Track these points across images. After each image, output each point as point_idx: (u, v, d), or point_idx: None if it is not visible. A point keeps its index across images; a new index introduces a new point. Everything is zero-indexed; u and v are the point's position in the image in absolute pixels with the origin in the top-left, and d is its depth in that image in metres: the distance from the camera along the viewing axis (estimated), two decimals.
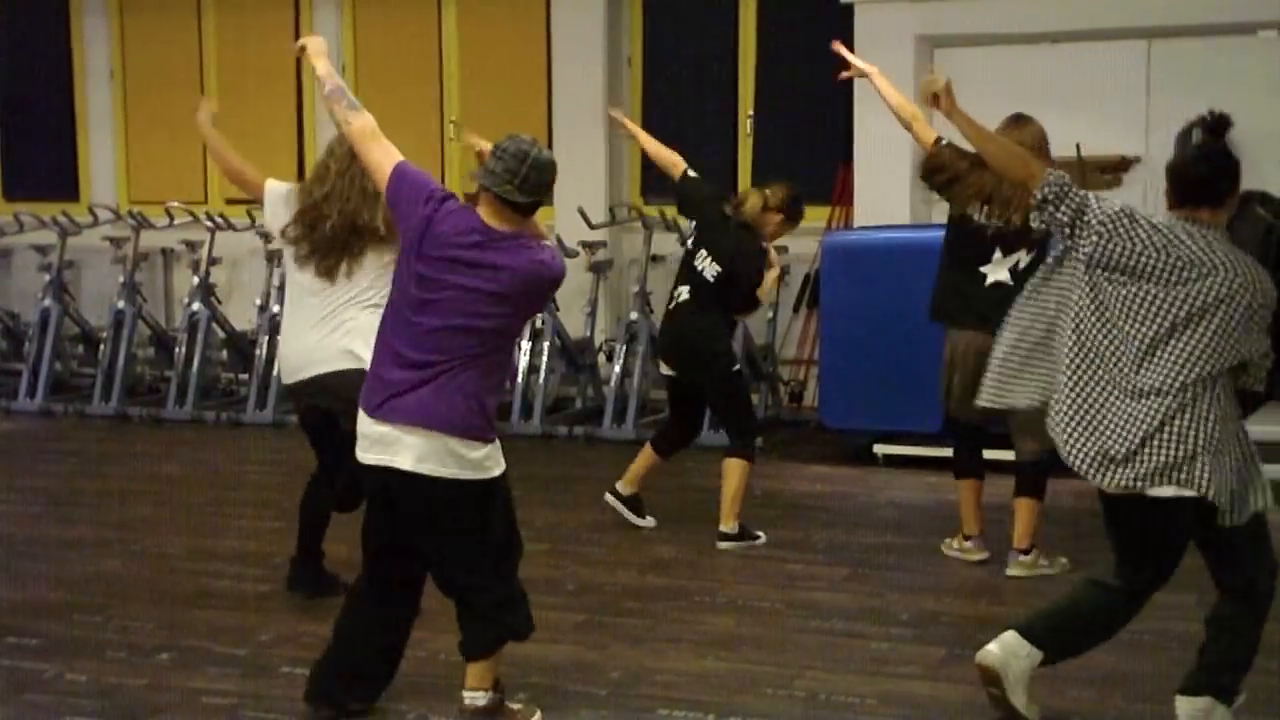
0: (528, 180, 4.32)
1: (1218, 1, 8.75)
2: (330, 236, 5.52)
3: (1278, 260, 8.41)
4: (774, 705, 4.81)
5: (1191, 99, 8.98)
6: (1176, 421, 4.17)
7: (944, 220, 9.20)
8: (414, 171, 4.51)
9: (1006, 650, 4.43)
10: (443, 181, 10.74)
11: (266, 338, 10.17)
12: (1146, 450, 4.18)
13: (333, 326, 5.51)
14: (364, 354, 4.99)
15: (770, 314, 9.69)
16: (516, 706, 4.60)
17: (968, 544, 6.51)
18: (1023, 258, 6.20)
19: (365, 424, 4.39)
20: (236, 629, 5.64)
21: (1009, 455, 6.53)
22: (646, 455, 7.06)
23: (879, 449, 8.53)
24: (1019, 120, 6.31)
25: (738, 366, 6.97)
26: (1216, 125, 4.38)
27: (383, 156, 4.55)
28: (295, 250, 5.64)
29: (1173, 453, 4.17)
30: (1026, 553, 6.28)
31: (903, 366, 8.25)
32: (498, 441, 4.41)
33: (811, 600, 5.96)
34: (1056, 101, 9.27)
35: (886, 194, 9.40)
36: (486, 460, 4.36)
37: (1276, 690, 4.83)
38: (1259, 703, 4.69)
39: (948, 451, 8.29)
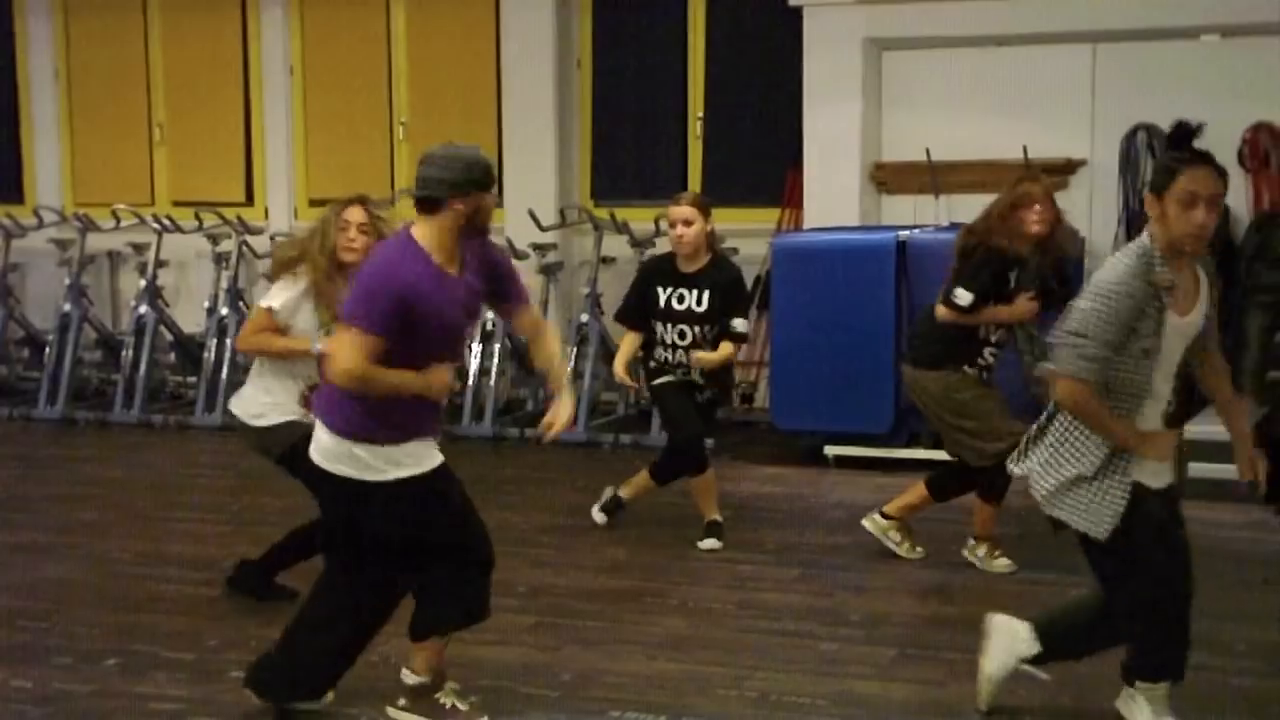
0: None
1: (1161, 6, 8.83)
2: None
3: (1220, 261, 8.51)
4: (725, 706, 4.82)
5: (1136, 102, 9.18)
6: None
7: (892, 222, 9.32)
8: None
9: (1012, 625, 4.57)
10: (391, 181, 10.75)
11: (215, 340, 10.11)
12: None
13: None
14: None
15: None
16: (465, 707, 4.60)
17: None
18: None
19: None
20: (184, 634, 5.60)
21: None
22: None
23: (829, 450, 8.56)
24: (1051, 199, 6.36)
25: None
26: (1180, 136, 4.28)
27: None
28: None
29: None
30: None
31: (853, 368, 8.30)
32: (401, 445, 4.39)
33: (762, 601, 5.98)
34: (1003, 104, 9.37)
35: (836, 196, 9.45)
36: (374, 460, 4.37)
37: (1220, 685, 4.88)
38: (1202, 696, 4.74)
39: (897, 452, 8.39)
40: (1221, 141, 8.95)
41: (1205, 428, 7.69)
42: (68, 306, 10.54)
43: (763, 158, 10.15)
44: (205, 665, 5.24)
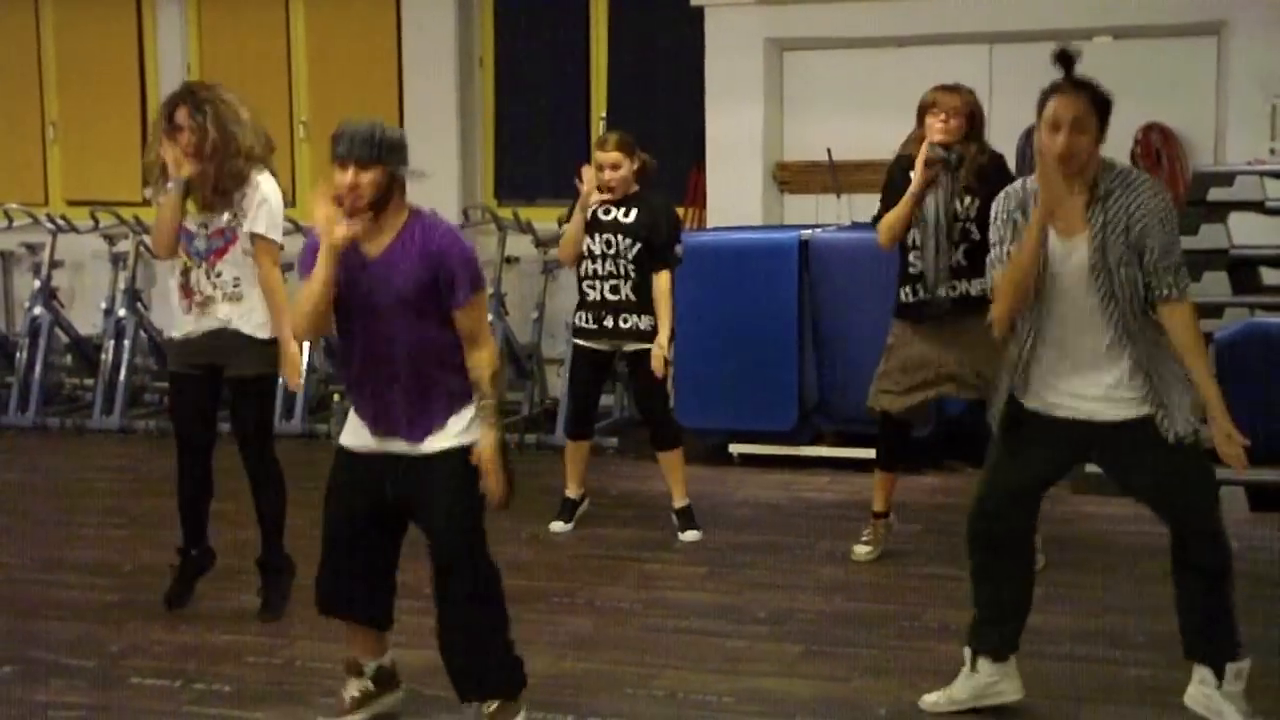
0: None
1: (1056, 9, 8.98)
2: None
3: None
4: (633, 705, 4.83)
5: (1032, 102, 9.27)
6: None
7: (794, 221, 9.39)
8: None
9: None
10: (292, 182, 10.65)
11: (112, 342, 9.96)
12: None
13: None
14: None
15: (535, 313, 9.74)
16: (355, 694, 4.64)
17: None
18: None
19: None
20: (84, 640, 5.51)
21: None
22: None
23: (734, 448, 8.61)
24: (953, 88, 6.39)
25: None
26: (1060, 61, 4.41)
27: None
28: None
29: None
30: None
31: (757, 366, 8.35)
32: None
33: (669, 599, 6.00)
34: (902, 104, 9.37)
35: (738, 195, 9.50)
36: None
37: (1120, 676, 4.97)
38: (1104, 688, 4.83)
39: (802, 450, 8.45)
40: (1115, 141, 9.16)
41: None
42: None
43: (666, 157, 10.10)
44: (106, 672, 5.16)
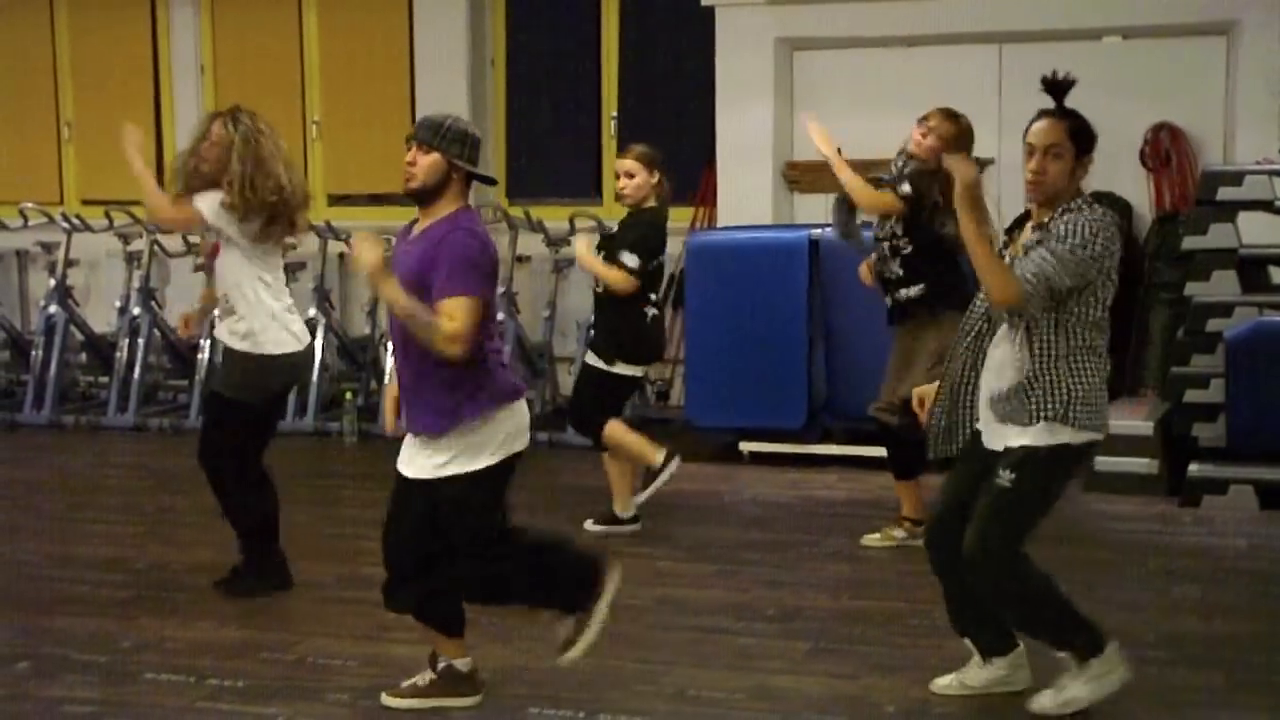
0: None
1: (1065, 9, 8.99)
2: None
3: (1122, 258, 8.67)
4: (643, 702, 4.85)
5: (1041, 102, 9.28)
6: None
7: (804, 220, 9.40)
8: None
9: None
10: (305, 180, 10.68)
11: (127, 340, 10.01)
12: None
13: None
14: None
15: (546, 312, 9.79)
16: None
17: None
18: None
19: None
20: (97, 636, 5.55)
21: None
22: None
23: (744, 446, 8.63)
24: (954, 117, 6.58)
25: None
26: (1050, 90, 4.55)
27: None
28: (267, 236, 5.80)
29: None
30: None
31: (767, 365, 8.37)
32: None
33: (679, 597, 6.02)
34: (912, 104, 9.38)
35: (749, 194, 9.52)
36: None
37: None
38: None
39: (811, 448, 8.47)
40: (1123, 142, 9.20)
41: (1113, 422, 7.88)
42: None
43: (676, 157, 10.13)
44: (119, 667, 5.20)
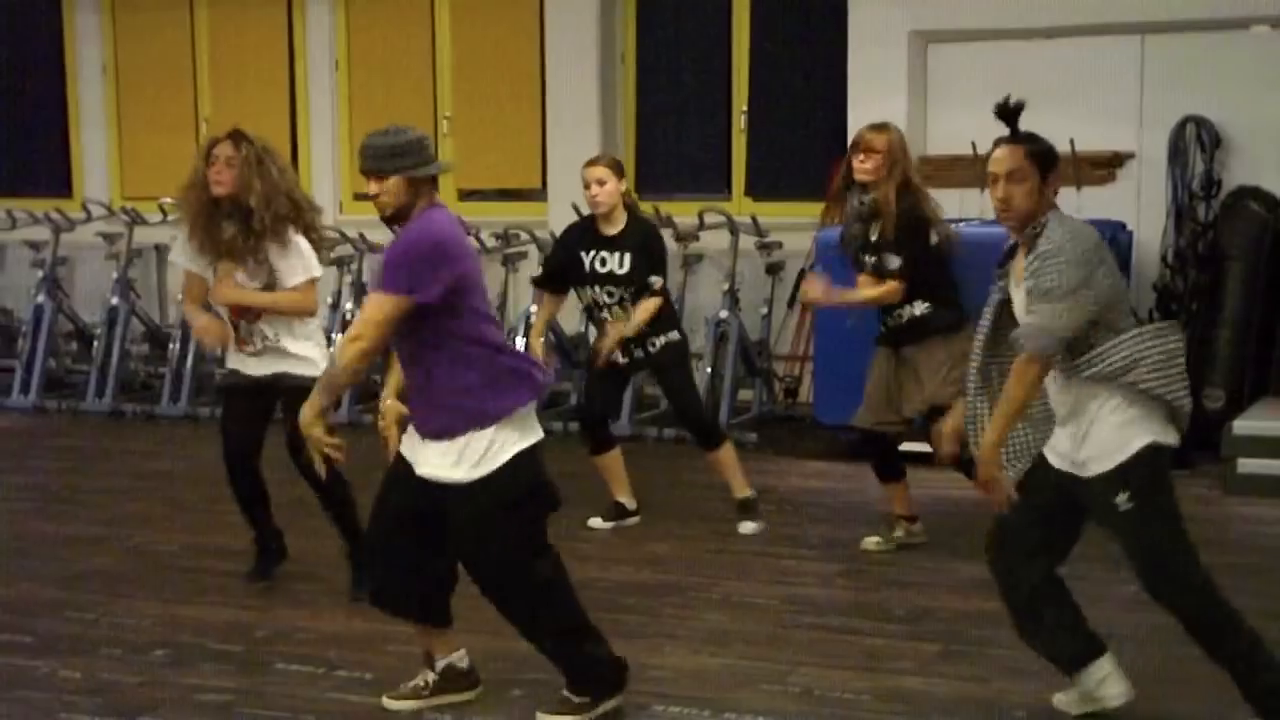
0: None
1: None
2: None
3: (1271, 254, 8.43)
4: (769, 701, 4.82)
5: (1185, 94, 9.10)
6: None
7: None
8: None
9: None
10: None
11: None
12: None
13: None
14: None
15: (765, 309, 9.71)
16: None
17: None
18: None
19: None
20: (231, 625, 5.64)
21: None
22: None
23: None
24: (881, 128, 6.54)
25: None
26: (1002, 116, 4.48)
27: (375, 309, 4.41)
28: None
29: None
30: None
31: None
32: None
33: (806, 596, 5.97)
34: (1050, 97, 9.23)
35: None
36: None
37: None
38: None
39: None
40: (1274, 134, 8.93)
41: (1256, 422, 7.66)
42: (115, 300, 10.61)
43: (807, 151, 10.12)
44: (253, 656, 5.28)
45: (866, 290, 6.49)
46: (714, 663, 5.15)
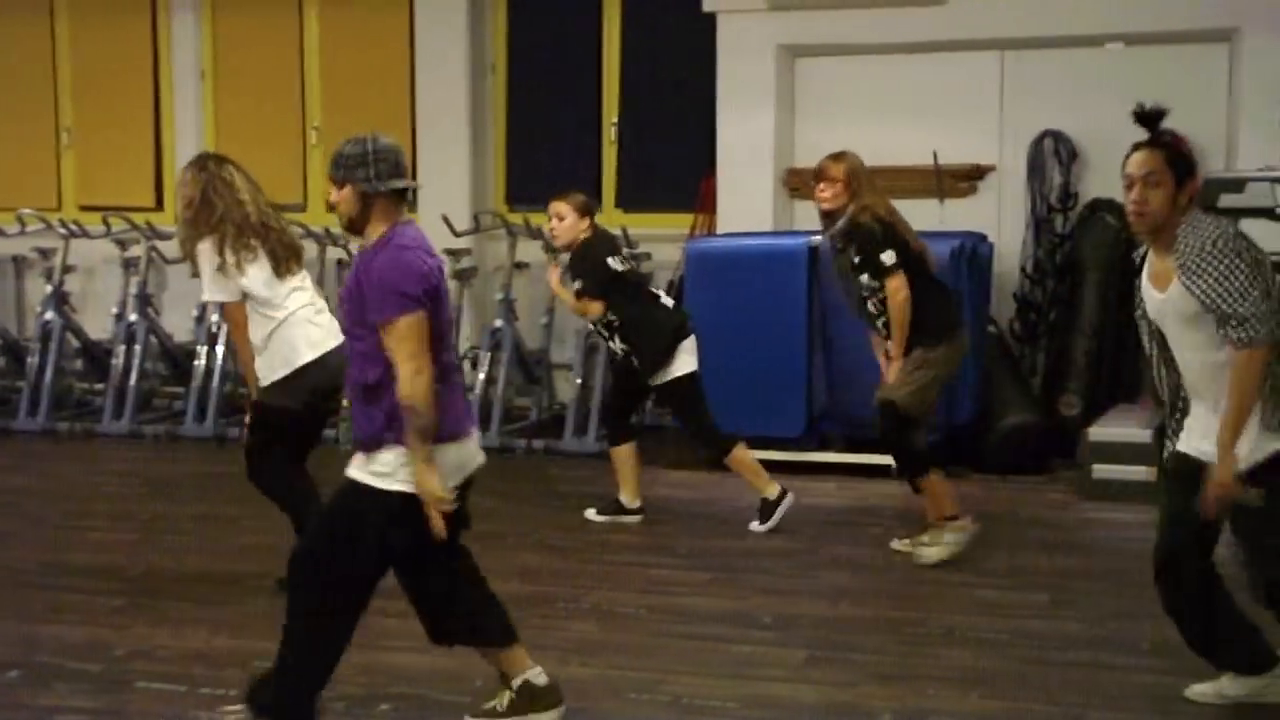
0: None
1: (1068, 15, 8.96)
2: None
3: (1124, 265, 8.65)
4: (639, 710, 4.82)
5: (1043, 109, 9.31)
6: None
7: (804, 227, 9.36)
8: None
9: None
10: (304, 186, 10.69)
11: (123, 347, 9.98)
12: None
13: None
14: None
15: (545, 319, 9.79)
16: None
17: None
18: None
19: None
20: (90, 644, 5.51)
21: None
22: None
23: None
24: (839, 156, 6.66)
25: None
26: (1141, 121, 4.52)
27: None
28: (275, 270, 5.93)
29: None
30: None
31: (766, 372, 8.33)
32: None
33: (675, 605, 5.99)
34: (914, 111, 9.46)
35: (749, 201, 9.49)
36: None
37: (1126, 683, 4.96)
38: (1110, 695, 4.81)
39: (810, 456, 8.42)
40: (1126, 147, 9.13)
41: (1111, 429, 7.86)
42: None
43: (677, 163, 10.18)
44: (112, 675, 5.16)
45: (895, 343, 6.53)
46: (583, 672, 5.14)
